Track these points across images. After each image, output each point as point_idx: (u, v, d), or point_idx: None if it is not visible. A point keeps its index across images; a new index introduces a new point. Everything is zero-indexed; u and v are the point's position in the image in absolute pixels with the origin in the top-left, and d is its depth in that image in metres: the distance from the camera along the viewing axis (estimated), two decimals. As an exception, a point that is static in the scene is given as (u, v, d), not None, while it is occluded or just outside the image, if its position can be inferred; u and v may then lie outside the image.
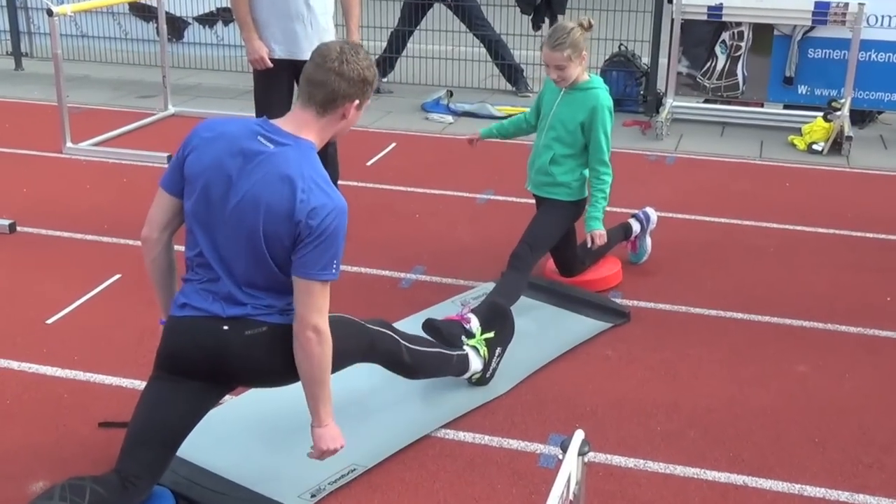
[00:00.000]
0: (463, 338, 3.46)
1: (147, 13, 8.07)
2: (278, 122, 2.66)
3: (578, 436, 1.96)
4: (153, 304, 2.90)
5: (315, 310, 2.56)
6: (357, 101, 2.69)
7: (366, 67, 2.68)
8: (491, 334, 3.50)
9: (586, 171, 4.06)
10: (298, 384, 2.69)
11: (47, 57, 7.92)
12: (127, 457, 2.67)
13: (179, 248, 2.72)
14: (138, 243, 2.83)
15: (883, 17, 6.63)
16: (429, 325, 3.44)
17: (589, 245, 4.08)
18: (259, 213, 2.54)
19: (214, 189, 2.59)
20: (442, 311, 3.95)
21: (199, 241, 2.65)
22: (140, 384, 3.33)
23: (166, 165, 2.89)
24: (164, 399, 2.70)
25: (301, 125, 2.65)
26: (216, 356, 2.65)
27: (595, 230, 4.03)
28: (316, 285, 2.56)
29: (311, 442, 2.72)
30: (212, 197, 2.60)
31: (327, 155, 4.76)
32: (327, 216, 2.54)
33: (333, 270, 2.57)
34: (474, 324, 3.48)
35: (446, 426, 3.22)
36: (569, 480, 1.92)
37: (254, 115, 4.50)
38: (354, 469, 2.95)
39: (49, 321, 3.92)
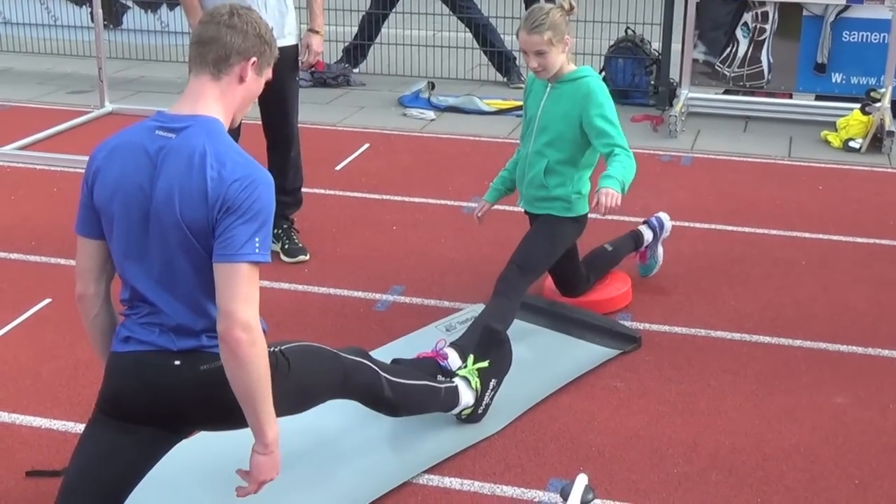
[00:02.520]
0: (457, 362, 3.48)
1: (79, -5, 8.09)
2: (173, 108, 2.66)
3: (581, 481, 1.97)
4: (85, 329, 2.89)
5: (242, 300, 2.48)
6: (254, 60, 2.69)
7: (261, 24, 2.73)
8: (485, 363, 3.48)
9: (587, 182, 4.03)
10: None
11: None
12: (61, 512, 2.66)
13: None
14: (71, 262, 2.82)
15: (928, -6, 6.70)
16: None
17: (592, 205, 3.80)
18: (174, 205, 2.51)
19: (131, 208, 2.57)
20: (424, 336, 3.95)
21: (129, 275, 2.63)
22: (74, 426, 3.34)
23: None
24: (107, 447, 2.68)
25: (197, 98, 2.65)
26: (167, 396, 2.64)
27: (608, 188, 3.67)
28: (241, 269, 2.49)
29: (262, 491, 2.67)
30: (131, 217, 2.58)
31: (289, 159, 4.79)
32: (245, 189, 2.50)
33: (258, 249, 2.50)
34: (453, 360, 3.48)
35: (430, 471, 3.22)
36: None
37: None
38: (326, 520, 2.95)
39: (-32, 354, 3.91)
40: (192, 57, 2.69)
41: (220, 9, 2.70)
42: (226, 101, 2.68)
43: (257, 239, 2.50)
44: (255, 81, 2.73)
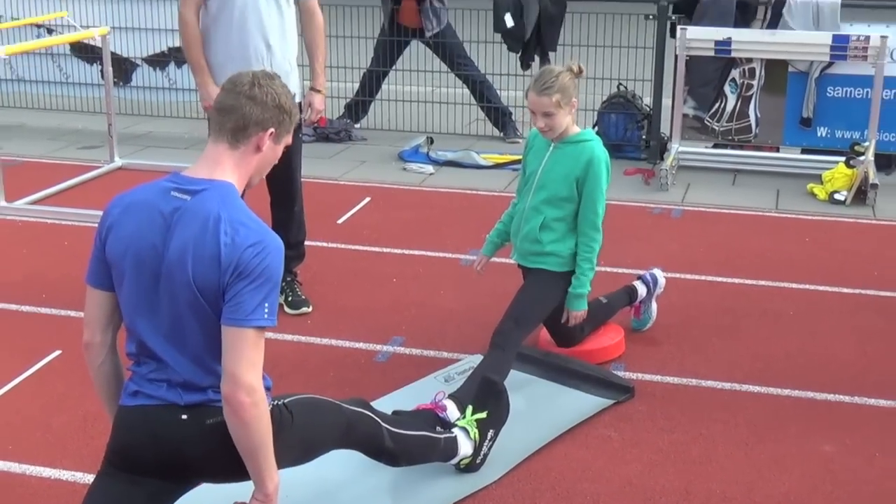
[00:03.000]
0: (455, 414, 3.48)
1: (90, 54, 8.12)
2: (189, 171, 2.68)
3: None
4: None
5: (247, 364, 2.50)
6: (272, 130, 2.70)
7: (281, 94, 2.71)
8: (483, 414, 3.49)
9: (577, 240, 4.04)
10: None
11: (-22, 104, 8.00)
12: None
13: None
14: (81, 315, 2.83)
15: (908, 51, 6.77)
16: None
17: (563, 321, 4.08)
18: (187, 267, 2.52)
19: (143, 266, 2.59)
20: (423, 387, 3.96)
21: (139, 329, 2.64)
22: (83, 477, 3.33)
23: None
24: (115, 499, 2.67)
25: (214, 164, 2.66)
26: (174, 449, 2.64)
27: (576, 310, 4.04)
28: (248, 333, 2.51)
29: None
30: (143, 274, 2.59)
31: (293, 214, 4.81)
32: (257, 255, 2.52)
33: (266, 315, 2.52)
34: (451, 412, 3.49)
35: (430, 520, 3.23)
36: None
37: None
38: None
39: (-20, 405, 3.91)
40: (212, 123, 2.72)
41: (243, 77, 2.70)
42: (242, 168, 2.70)
43: (266, 304, 2.52)
44: (273, 150, 2.75)
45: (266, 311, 2.52)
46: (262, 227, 2.60)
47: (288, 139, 2.79)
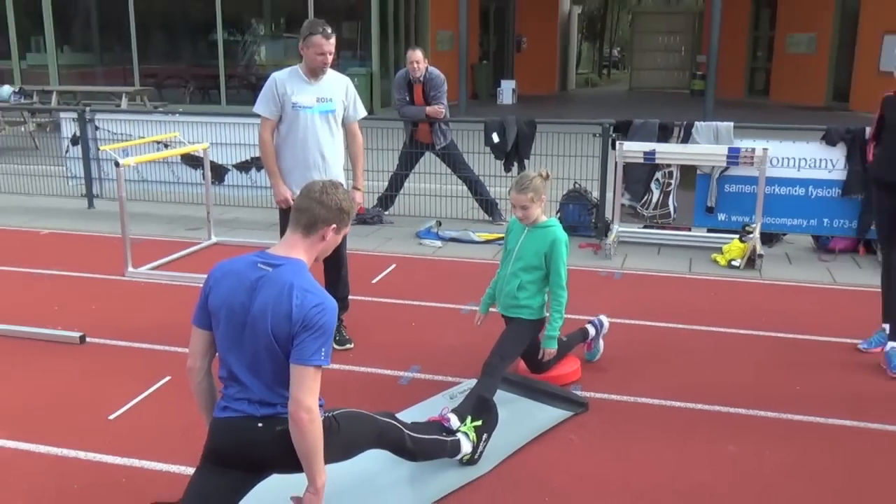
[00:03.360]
0: (457, 423, 3.45)
1: (195, 162, 8.20)
2: (272, 250, 2.71)
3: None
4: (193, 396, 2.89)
5: (308, 392, 2.52)
6: (335, 226, 2.73)
7: (343, 199, 2.74)
8: (479, 422, 3.49)
9: (545, 297, 4.07)
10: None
11: (114, 198, 8.04)
12: (176, 533, 2.63)
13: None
14: (185, 350, 2.84)
15: (783, 158, 6.80)
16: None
17: (540, 357, 4.09)
18: (267, 320, 2.56)
19: (234, 316, 2.62)
20: (434, 403, 3.94)
21: (228, 361, 2.66)
22: (186, 469, 3.31)
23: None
24: (208, 486, 2.67)
25: (290, 247, 2.70)
26: (252, 449, 2.64)
27: (549, 349, 4.05)
28: (309, 370, 2.52)
29: None
30: (233, 323, 2.62)
31: (340, 276, 4.82)
32: (318, 314, 2.54)
33: (323, 357, 2.55)
34: (453, 422, 3.46)
35: (441, 500, 3.19)
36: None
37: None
38: (362, 540, 2.90)
39: (111, 417, 3.89)
40: (291, 218, 2.74)
41: (315, 185, 2.75)
42: (311, 251, 2.74)
43: (323, 350, 2.55)
44: (334, 238, 2.78)
45: (323, 354, 2.55)
46: (323, 293, 2.63)
47: (346, 230, 2.83)
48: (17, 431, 3.73)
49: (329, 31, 4.48)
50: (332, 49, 4.49)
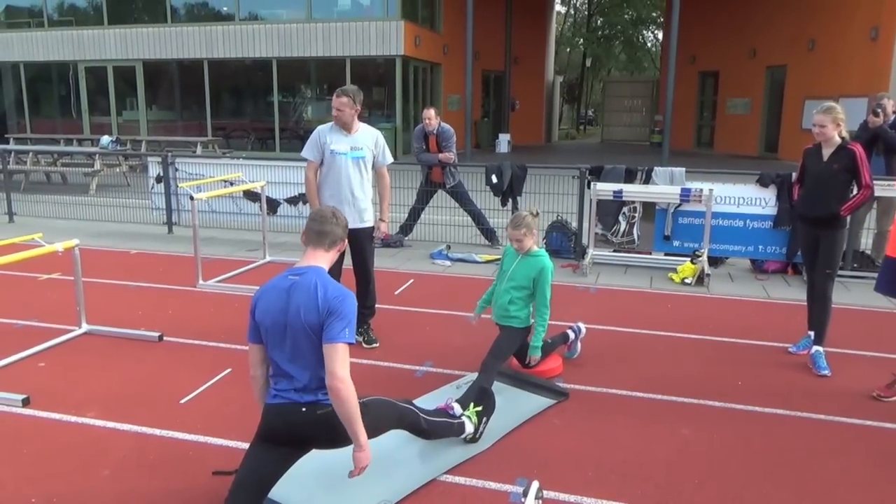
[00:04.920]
0: (460, 411, 3.40)
1: (254, 197, 8.22)
2: (298, 263, 2.72)
3: (535, 485, 1.91)
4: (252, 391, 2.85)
5: (340, 364, 2.50)
6: (345, 239, 2.81)
7: (345, 221, 2.83)
8: (479, 408, 3.44)
9: (531, 309, 4.03)
10: (345, 449, 2.62)
11: (188, 225, 8.06)
12: (234, 496, 2.59)
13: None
14: (245, 347, 2.83)
15: (725, 196, 6.76)
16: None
17: (527, 362, 4.06)
18: (300, 315, 2.55)
19: (276, 322, 2.62)
20: (444, 392, 3.89)
21: (275, 358, 2.64)
22: (242, 444, 3.28)
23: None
24: (261, 459, 2.63)
25: (313, 259, 2.72)
26: (297, 429, 2.60)
27: (534, 356, 4.03)
28: (339, 346, 2.51)
29: (349, 481, 2.60)
30: (276, 327, 2.62)
31: (369, 290, 4.78)
32: (339, 302, 2.55)
33: (348, 335, 2.53)
34: (456, 410, 3.41)
35: (447, 472, 3.14)
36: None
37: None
38: (385, 502, 2.85)
39: (182, 401, 3.85)
40: (312, 239, 2.75)
41: (326, 213, 2.79)
42: (329, 260, 2.76)
43: (347, 329, 2.55)
44: (343, 245, 2.83)
45: (347, 333, 2.54)
46: (341, 287, 2.64)
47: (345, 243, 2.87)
48: (106, 412, 3.70)
49: (342, 92, 4.47)
50: (344, 106, 4.47)
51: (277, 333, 2.62)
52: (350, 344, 2.55)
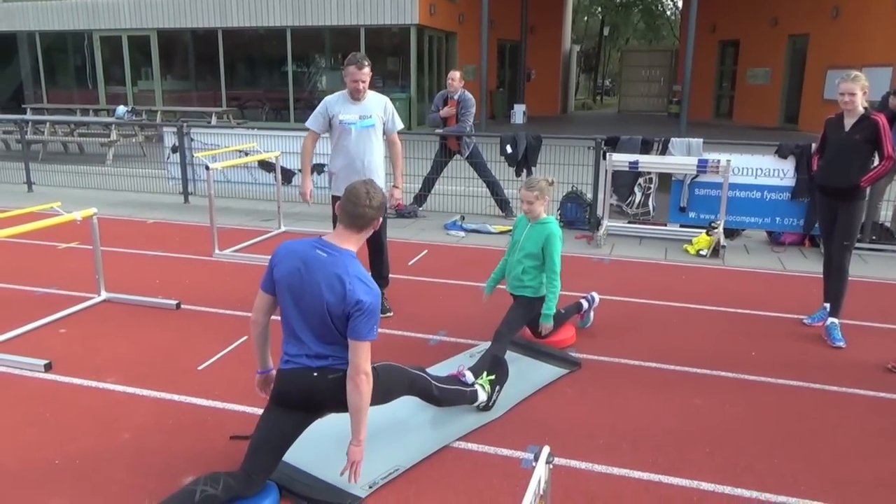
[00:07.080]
0: (472, 378, 3.42)
1: (269, 167, 8.24)
2: (328, 237, 2.68)
3: (545, 450, 1.93)
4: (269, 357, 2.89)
5: (364, 360, 2.53)
6: (380, 217, 2.72)
7: (381, 196, 2.72)
8: (493, 377, 3.46)
9: (543, 278, 4.02)
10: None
11: (204, 195, 8.10)
12: (250, 459, 2.63)
13: (276, 318, 2.73)
14: (259, 316, 2.83)
15: (743, 168, 6.69)
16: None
17: (539, 331, 4.04)
18: (323, 300, 2.54)
19: (294, 287, 2.61)
20: (456, 360, 3.92)
21: (291, 321, 2.65)
22: (259, 410, 3.33)
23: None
24: (275, 422, 2.67)
25: (344, 239, 2.66)
26: (309, 393, 2.64)
27: (545, 324, 4.00)
28: (364, 344, 2.53)
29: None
30: (294, 292, 2.61)
31: (383, 259, 4.80)
32: (368, 302, 2.53)
33: (374, 334, 2.55)
34: (468, 377, 3.43)
35: (460, 439, 3.17)
36: (539, 481, 1.88)
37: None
38: (398, 469, 2.90)
39: (200, 367, 3.91)
40: (344, 219, 2.67)
41: (359, 192, 2.67)
42: (360, 242, 2.71)
43: (375, 328, 2.56)
44: (378, 223, 2.74)
45: (374, 331, 2.55)
46: (370, 281, 2.60)
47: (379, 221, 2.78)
48: (126, 378, 3.77)
49: (363, 62, 4.39)
50: (365, 77, 4.41)
51: (294, 299, 2.63)
52: (374, 341, 2.58)
